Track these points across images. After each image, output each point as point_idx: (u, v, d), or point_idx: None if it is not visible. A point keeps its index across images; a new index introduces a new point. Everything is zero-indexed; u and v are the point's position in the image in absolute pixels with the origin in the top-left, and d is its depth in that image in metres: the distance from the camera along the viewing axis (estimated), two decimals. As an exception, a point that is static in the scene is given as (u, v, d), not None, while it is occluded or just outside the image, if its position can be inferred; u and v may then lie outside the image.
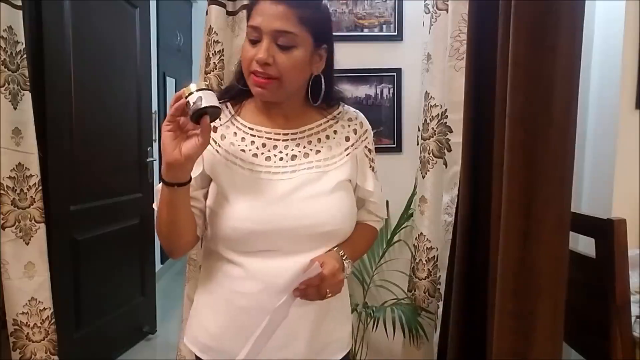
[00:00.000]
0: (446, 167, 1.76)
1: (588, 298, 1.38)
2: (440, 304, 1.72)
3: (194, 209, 1.00)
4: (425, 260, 1.83)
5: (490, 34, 1.24)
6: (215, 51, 1.78)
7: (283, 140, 1.03)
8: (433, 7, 1.76)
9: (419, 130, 1.84)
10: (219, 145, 1.01)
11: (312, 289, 0.94)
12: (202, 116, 0.87)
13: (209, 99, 0.87)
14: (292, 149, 1.02)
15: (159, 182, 0.95)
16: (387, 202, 1.67)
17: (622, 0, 1.79)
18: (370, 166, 1.11)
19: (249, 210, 0.96)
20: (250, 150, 1.01)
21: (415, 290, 1.87)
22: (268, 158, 1.01)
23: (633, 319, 1.28)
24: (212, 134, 1.00)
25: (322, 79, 1.01)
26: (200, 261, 1.88)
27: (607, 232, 1.23)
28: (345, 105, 1.12)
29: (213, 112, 0.89)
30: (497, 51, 1.18)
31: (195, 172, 0.96)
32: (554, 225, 1.06)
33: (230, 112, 1.05)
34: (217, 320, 1.03)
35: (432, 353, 1.82)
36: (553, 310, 1.08)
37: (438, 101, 1.76)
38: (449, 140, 1.75)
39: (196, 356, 1.07)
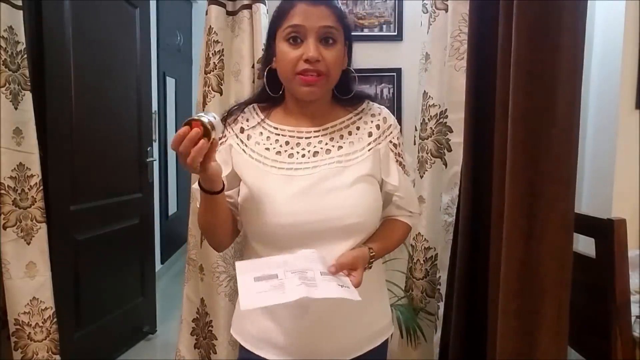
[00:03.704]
0: (446, 167, 1.76)
1: (588, 298, 1.38)
2: (441, 304, 1.71)
3: (231, 206, 1.06)
4: (423, 261, 1.83)
5: (491, 33, 1.24)
6: (215, 51, 1.78)
7: (306, 138, 1.06)
8: (432, 7, 1.75)
9: (416, 130, 1.84)
10: (246, 145, 1.07)
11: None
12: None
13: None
14: (315, 146, 1.05)
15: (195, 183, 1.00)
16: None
17: (622, 0, 1.79)
18: (397, 160, 1.10)
19: (270, 205, 1.00)
20: (274, 148, 1.06)
21: (412, 290, 1.87)
22: (291, 155, 1.05)
23: (633, 319, 1.28)
24: (240, 135, 1.09)
25: (351, 73, 1.09)
26: (199, 261, 1.89)
27: (607, 232, 1.23)
28: (371, 102, 1.14)
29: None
30: (498, 50, 1.18)
31: (225, 172, 1.01)
32: (557, 225, 1.05)
33: (259, 117, 1.10)
34: (251, 312, 1.08)
35: (430, 353, 1.82)
36: (557, 310, 1.07)
37: (436, 101, 1.76)
38: (449, 140, 1.74)
39: (240, 345, 1.11)
